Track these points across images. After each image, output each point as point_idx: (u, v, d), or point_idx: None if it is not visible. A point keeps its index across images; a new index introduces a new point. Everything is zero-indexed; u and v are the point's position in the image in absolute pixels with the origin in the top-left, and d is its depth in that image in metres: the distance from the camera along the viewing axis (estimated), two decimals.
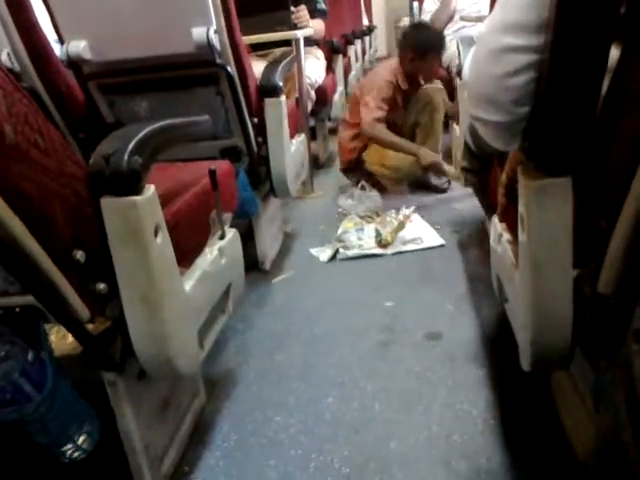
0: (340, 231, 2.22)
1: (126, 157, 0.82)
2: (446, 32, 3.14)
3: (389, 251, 2.09)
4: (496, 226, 1.15)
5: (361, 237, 2.16)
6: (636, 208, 0.62)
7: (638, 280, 0.48)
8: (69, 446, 0.94)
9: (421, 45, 2.49)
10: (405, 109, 2.69)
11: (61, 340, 1.01)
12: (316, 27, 2.78)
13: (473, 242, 2.10)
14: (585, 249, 0.78)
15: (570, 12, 0.65)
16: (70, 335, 0.88)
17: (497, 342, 1.47)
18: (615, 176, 0.68)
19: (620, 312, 0.65)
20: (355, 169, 2.73)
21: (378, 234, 2.14)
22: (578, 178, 0.76)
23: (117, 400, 0.99)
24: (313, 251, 2.15)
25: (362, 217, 2.34)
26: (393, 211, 2.33)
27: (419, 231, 2.21)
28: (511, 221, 1.01)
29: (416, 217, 2.32)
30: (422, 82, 2.61)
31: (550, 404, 1.20)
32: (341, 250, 2.10)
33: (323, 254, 2.11)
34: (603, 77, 0.69)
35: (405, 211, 2.29)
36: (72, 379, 0.92)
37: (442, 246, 2.10)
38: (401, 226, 2.18)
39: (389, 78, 2.60)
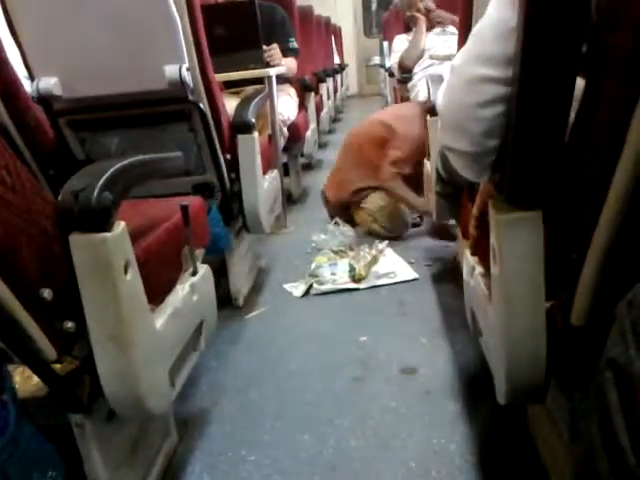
0: (313, 266, 2.21)
1: (96, 193, 0.81)
2: (415, 70, 3.21)
3: (362, 286, 2.09)
4: (468, 259, 1.16)
5: (334, 272, 2.15)
6: (605, 239, 0.63)
7: (609, 311, 0.48)
8: None
9: None
10: None
11: (26, 381, 0.98)
12: (288, 65, 2.83)
13: (447, 275, 2.11)
14: (557, 281, 0.79)
15: (535, 48, 0.67)
16: (35, 376, 0.85)
17: (472, 376, 1.47)
18: (584, 208, 0.69)
19: (593, 343, 0.65)
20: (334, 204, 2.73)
21: (352, 269, 2.13)
22: (548, 211, 0.77)
23: (84, 443, 0.96)
24: (287, 286, 2.13)
25: (335, 252, 2.34)
26: (366, 246, 2.34)
27: (392, 265, 2.21)
28: (483, 254, 1.02)
29: (389, 252, 2.32)
30: None
31: (527, 437, 1.19)
32: (315, 285, 2.09)
33: (297, 289, 2.09)
34: (569, 111, 0.70)
35: (378, 246, 2.30)
36: (36, 421, 0.89)
37: (416, 280, 2.11)
38: (374, 260, 2.19)
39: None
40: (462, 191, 1.32)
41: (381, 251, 2.27)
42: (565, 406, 0.91)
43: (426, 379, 1.48)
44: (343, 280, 2.11)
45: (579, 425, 0.84)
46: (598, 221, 0.63)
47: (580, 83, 0.69)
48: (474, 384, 1.43)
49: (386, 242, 2.34)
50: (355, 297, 2.04)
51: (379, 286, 2.09)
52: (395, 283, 2.10)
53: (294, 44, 2.95)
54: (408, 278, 2.13)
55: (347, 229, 2.52)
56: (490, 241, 0.87)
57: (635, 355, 0.42)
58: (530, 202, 0.78)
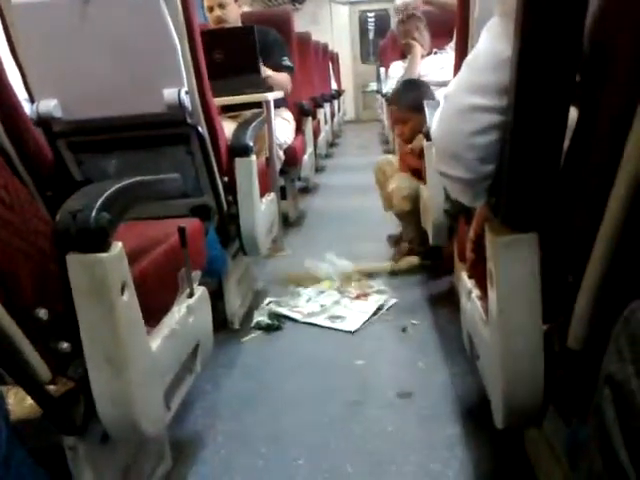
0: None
1: (94, 214, 0.81)
2: None
3: (305, 319, 2.03)
4: (465, 282, 1.16)
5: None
6: (601, 262, 0.63)
7: (606, 333, 0.49)
8: None
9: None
10: None
11: (19, 403, 0.97)
12: (282, 79, 2.84)
13: (443, 299, 2.11)
14: (553, 304, 0.79)
15: (529, 78, 0.68)
16: (29, 397, 0.84)
17: (470, 400, 1.46)
18: (580, 230, 0.69)
19: (590, 366, 0.65)
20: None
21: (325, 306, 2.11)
22: (544, 233, 0.78)
23: (77, 466, 0.95)
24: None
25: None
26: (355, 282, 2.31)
27: (352, 311, 2.08)
28: (480, 277, 1.02)
29: (373, 298, 2.17)
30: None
31: (525, 462, 1.18)
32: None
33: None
34: (563, 138, 0.71)
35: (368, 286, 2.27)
36: (28, 444, 0.88)
37: (350, 332, 1.93)
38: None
39: None
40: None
41: (364, 294, 2.20)
42: (563, 431, 0.90)
43: (423, 403, 1.47)
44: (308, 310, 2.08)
45: (578, 451, 0.84)
46: (594, 244, 0.64)
47: (573, 113, 0.70)
48: (472, 408, 1.42)
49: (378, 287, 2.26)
50: None
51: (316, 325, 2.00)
52: (330, 328, 1.97)
53: (288, 62, 2.96)
54: (344, 329, 1.95)
55: (345, 263, 2.41)
56: (487, 264, 0.87)
57: (633, 373, 0.42)
58: (526, 224, 0.78)
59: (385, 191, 2.51)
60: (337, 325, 1.98)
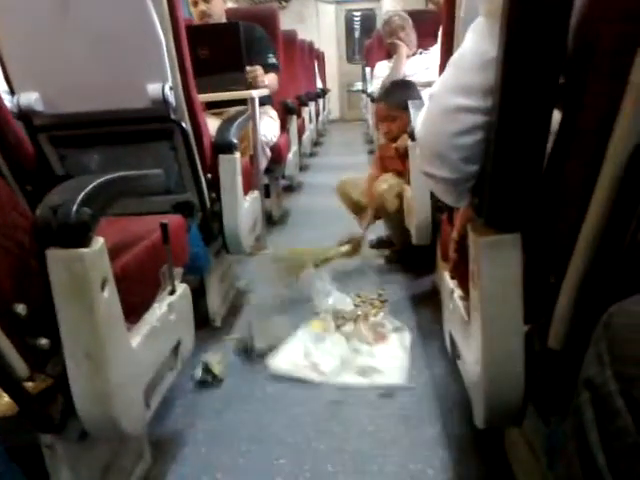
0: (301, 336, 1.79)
1: (75, 208, 0.80)
2: None
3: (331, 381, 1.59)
4: (448, 282, 1.16)
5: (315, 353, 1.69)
6: (583, 263, 0.64)
7: (587, 334, 0.49)
8: None
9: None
10: None
11: None
12: (271, 81, 2.84)
13: (426, 299, 2.12)
14: (535, 304, 0.80)
15: (514, 78, 0.68)
16: (5, 394, 0.83)
17: (451, 400, 1.47)
18: (562, 232, 0.70)
19: (570, 366, 0.66)
20: None
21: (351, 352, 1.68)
22: (527, 234, 0.78)
23: (54, 465, 0.93)
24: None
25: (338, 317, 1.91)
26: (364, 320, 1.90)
27: (383, 360, 1.66)
28: (462, 277, 1.03)
29: (393, 338, 1.79)
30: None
31: (505, 462, 1.19)
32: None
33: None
34: (547, 139, 0.72)
35: (385, 326, 1.84)
36: (5, 443, 0.87)
37: (409, 388, 1.55)
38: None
39: None
40: None
41: (383, 336, 1.79)
42: (542, 430, 0.91)
43: (404, 403, 1.47)
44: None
45: (556, 449, 0.84)
46: (575, 245, 0.64)
47: (556, 115, 0.71)
48: (453, 408, 1.43)
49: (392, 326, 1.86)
50: None
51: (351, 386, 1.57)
52: (372, 387, 1.56)
53: (273, 59, 2.96)
54: (391, 382, 1.56)
55: (345, 299, 2.03)
56: (469, 264, 0.87)
57: (611, 376, 0.42)
58: (509, 225, 0.79)
59: (371, 197, 2.50)
60: (379, 380, 1.57)
